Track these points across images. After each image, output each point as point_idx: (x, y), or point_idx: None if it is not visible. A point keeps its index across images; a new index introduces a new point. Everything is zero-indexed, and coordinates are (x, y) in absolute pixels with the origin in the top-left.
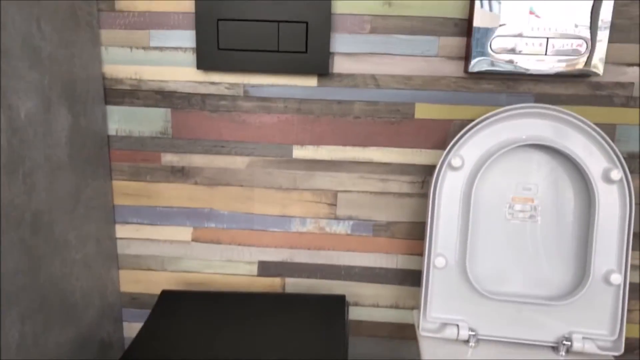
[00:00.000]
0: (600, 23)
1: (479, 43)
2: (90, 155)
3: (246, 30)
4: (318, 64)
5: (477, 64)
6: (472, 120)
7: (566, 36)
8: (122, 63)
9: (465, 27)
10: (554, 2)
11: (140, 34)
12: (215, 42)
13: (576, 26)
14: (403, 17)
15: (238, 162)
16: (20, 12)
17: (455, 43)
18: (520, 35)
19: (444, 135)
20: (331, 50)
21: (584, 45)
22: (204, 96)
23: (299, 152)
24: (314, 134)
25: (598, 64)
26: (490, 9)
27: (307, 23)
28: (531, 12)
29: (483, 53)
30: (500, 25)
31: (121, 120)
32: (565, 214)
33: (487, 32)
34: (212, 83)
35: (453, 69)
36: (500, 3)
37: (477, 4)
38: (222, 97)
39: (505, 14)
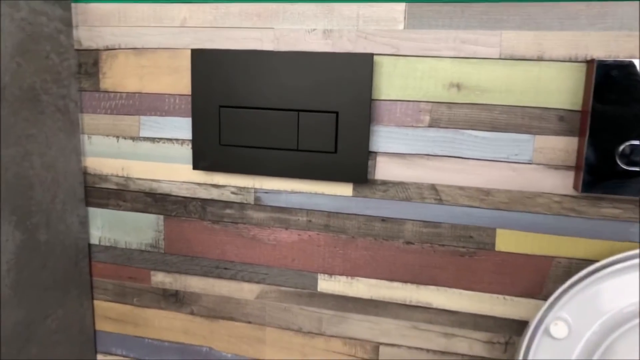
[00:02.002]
0: None
1: (600, 147)
2: (57, 276)
3: (255, 120)
4: (352, 168)
5: (596, 178)
6: (586, 261)
7: None
8: (107, 156)
9: (577, 123)
10: None
11: (128, 120)
12: (216, 136)
13: None
14: (479, 105)
15: (245, 290)
16: None
17: (560, 145)
18: None
19: (540, 279)
20: (372, 149)
21: None
22: (205, 202)
23: (326, 284)
24: (348, 260)
25: None
26: (621, 113)
27: (337, 113)
28: None
29: (606, 162)
30: (636, 120)
31: (105, 227)
32: None
33: (615, 130)
34: (215, 186)
35: (556, 182)
36: (636, 88)
37: (598, 87)
38: (227, 204)
39: None
